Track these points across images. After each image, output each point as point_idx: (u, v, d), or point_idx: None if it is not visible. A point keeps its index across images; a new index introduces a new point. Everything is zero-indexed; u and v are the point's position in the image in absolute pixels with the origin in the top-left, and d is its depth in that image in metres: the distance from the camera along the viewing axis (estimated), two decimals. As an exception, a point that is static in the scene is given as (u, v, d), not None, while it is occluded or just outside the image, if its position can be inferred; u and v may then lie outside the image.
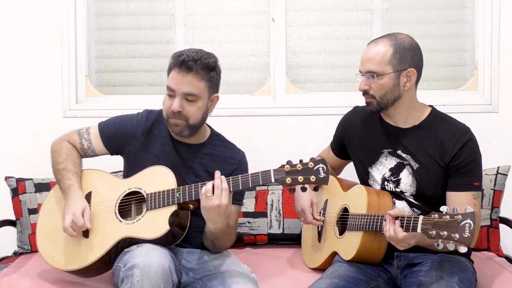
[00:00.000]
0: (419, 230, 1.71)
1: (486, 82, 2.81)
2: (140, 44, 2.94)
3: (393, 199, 2.08)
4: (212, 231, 1.98)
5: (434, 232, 1.66)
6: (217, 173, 1.91)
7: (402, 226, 1.78)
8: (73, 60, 2.84)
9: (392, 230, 1.80)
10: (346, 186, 2.23)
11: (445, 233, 1.63)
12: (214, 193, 1.88)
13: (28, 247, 2.54)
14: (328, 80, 2.92)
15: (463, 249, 1.62)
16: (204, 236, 2.08)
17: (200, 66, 2.01)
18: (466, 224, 1.61)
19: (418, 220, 1.73)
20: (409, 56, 2.01)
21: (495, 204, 2.51)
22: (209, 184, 1.89)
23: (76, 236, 2.00)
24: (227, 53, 2.89)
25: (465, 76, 2.90)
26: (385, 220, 1.84)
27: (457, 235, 1.61)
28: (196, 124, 2.08)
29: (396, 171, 2.08)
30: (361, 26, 2.90)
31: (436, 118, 2.07)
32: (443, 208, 1.68)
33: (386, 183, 2.10)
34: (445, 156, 2.00)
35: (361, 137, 2.19)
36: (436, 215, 1.68)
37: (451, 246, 1.63)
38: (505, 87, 2.79)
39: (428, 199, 2.03)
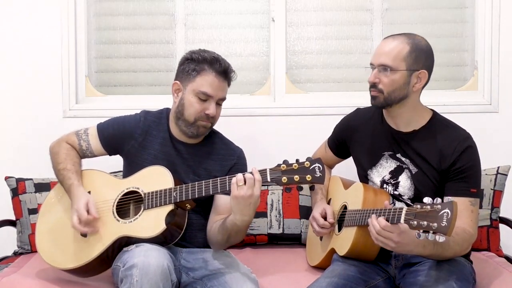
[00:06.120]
0: (402, 220, 1.71)
1: (486, 82, 2.80)
2: (140, 44, 2.93)
3: (394, 200, 2.08)
4: (238, 223, 1.93)
5: (415, 222, 1.66)
6: (254, 168, 1.90)
7: (387, 218, 1.77)
8: (73, 60, 2.84)
9: (375, 222, 1.79)
10: (348, 185, 2.24)
11: (425, 223, 1.64)
12: (247, 183, 1.85)
13: (28, 247, 2.54)
14: (328, 80, 2.92)
15: (441, 239, 1.62)
16: (222, 230, 2.02)
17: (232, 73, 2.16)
18: (444, 214, 1.61)
19: (402, 211, 1.73)
20: (423, 58, 2.01)
21: (495, 204, 2.51)
22: (240, 175, 1.87)
23: (86, 231, 2.00)
24: (227, 53, 2.88)
25: (465, 76, 2.89)
26: (370, 217, 1.84)
27: (435, 224, 1.61)
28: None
29: (395, 174, 2.08)
30: (361, 26, 2.90)
31: (437, 123, 2.06)
32: (426, 199, 1.69)
33: (385, 185, 2.10)
34: (444, 163, 1.99)
35: (363, 140, 2.19)
36: (419, 206, 1.68)
37: (431, 236, 1.63)
38: (505, 87, 2.79)
39: None
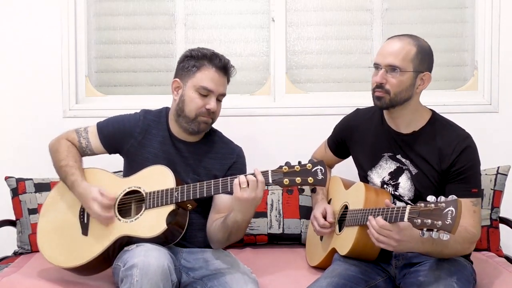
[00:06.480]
0: (406, 219, 1.71)
1: (486, 82, 2.80)
2: (140, 44, 2.94)
3: (395, 200, 2.08)
4: (239, 221, 1.96)
5: (419, 220, 1.67)
6: (256, 169, 1.91)
7: (391, 217, 1.77)
8: (73, 60, 2.84)
9: (374, 222, 1.79)
10: (348, 185, 2.24)
11: (429, 221, 1.64)
12: (250, 185, 1.86)
13: (28, 247, 2.54)
14: (328, 80, 2.92)
15: (446, 237, 1.62)
16: (223, 228, 2.03)
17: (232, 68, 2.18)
18: (449, 211, 1.61)
19: (405, 210, 1.73)
20: (427, 60, 2.01)
21: (495, 204, 2.51)
22: (242, 177, 1.88)
23: (111, 216, 2.01)
24: (227, 53, 2.82)
25: (465, 76, 2.89)
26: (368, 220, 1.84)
27: (440, 222, 1.62)
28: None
29: (395, 175, 2.08)
30: (361, 26, 2.90)
31: (436, 124, 2.06)
32: (429, 198, 1.69)
33: (385, 186, 2.10)
34: (443, 163, 1.99)
35: (363, 140, 2.19)
36: (422, 204, 1.69)
37: (435, 235, 1.63)
38: (505, 87, 2.79)
39: None
